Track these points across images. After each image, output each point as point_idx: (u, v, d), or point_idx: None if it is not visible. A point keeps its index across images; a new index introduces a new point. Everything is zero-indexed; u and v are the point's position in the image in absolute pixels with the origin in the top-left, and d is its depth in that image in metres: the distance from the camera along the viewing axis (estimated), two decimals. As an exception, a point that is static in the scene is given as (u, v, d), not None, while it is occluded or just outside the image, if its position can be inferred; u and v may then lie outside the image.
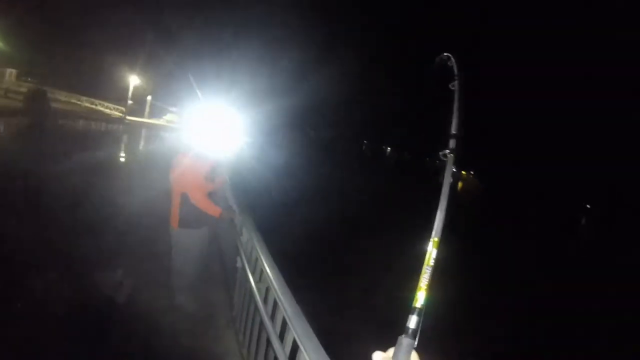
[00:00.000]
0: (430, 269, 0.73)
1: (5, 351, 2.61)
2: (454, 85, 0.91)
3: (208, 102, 3.66)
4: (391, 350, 0.69)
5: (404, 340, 0.68)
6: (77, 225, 4.75)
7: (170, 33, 45.38)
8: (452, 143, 0.86)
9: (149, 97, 38.55)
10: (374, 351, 0.71)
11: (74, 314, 3.04)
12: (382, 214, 18.36)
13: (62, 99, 33.36)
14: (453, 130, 0.87)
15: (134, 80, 34.35)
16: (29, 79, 35.44)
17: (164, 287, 3.56)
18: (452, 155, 0.85)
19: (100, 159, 12.03)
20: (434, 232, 0.76)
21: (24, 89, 19.11)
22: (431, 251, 0.74)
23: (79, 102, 35.36)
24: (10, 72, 33.10)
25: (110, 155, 14.16)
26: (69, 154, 8.40)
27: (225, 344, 3.25)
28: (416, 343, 0.69)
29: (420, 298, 0.70)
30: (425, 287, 0.71)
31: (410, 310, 0.70)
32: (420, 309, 0.70)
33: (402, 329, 0.70)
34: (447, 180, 0.81)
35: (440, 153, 0.86)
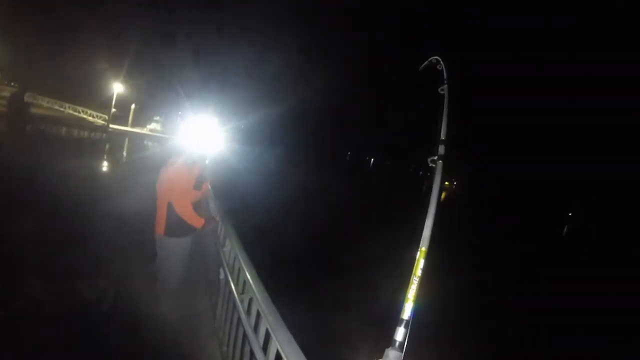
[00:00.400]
0: (417, 279, 0.70)
1: (5, 351, 2.59)
2: (443, 90, 0.84)
3: (193, 111, 3.64)
4: None
5: (391, 353, 0.66)
6: (63, 235, 4.67)
7: (159, 42, 45.25)
8: (441, 149, 0.79)
9: (132, 106, 38.27)
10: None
11: (54, 327, 2.97)
12: (381, 220, 18.53)
13: (44, 104, 33.01)
14: (442, 136, 0.79)
15: (118, 88, 34.04)
16: (13, 84, 35.04)
17: (149, 295, 3.49)
18: (440, 162, 0.78)
19: (79, 167, 11.82)
20: (421, 242, 0.71)
21: (7, 93, 18.85)
22: (419, 261, 0.71)
23: (62, 109, 35.04)
24: (-6, 76, 32.75)
25: (91, 163, 13.92)
26: (44, 162, 8.28)
27: (209, 353, 3.20)
28: (403, 356, 0.66)
29: (408, 310, 0.68)
30: (413, 299, 0.68)
31: (397, 322, 0.68)
32: (407, 320, 0.67)
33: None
34: (436, 187, 0.77)
35: (429, 159, 0.79)
